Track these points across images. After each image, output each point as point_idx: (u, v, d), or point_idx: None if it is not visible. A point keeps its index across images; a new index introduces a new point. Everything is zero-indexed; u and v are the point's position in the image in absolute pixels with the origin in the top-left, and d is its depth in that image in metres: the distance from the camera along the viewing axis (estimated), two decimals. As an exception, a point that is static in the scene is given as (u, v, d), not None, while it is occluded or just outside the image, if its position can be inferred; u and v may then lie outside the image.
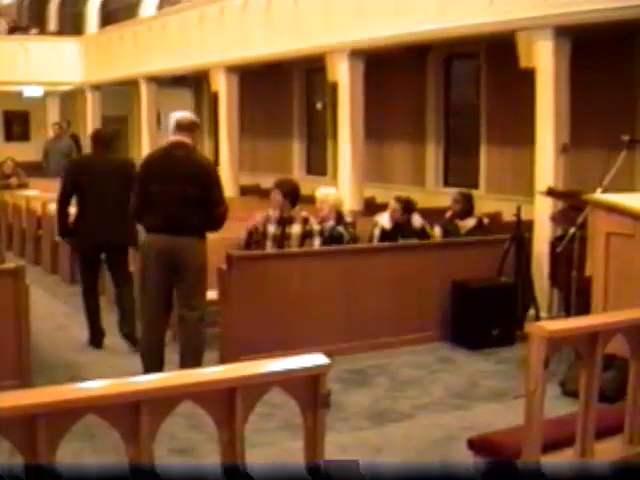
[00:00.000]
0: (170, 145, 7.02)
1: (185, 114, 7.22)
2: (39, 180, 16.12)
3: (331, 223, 8.90)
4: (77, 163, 9.41)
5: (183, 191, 6.78)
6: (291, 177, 11.72)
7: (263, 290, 7.69)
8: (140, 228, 7.57)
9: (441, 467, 5.43)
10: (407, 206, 9.16)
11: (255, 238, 8.43)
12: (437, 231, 9.23)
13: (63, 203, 8.43)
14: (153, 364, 6.93)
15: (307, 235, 8.43)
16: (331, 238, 8.76)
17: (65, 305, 10.26)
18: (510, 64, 9.99)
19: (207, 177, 6.95)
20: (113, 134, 9.14)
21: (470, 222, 9.52)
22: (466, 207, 9.56)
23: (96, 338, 8.42)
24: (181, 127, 7.01)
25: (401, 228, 9.08)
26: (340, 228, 8.86)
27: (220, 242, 8.53)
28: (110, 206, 8.07)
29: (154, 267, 6.95)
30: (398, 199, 9.26)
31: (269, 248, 8.35)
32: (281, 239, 8.41)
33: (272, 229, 8.41)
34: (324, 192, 9.30)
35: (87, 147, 20.78)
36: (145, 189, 6.92)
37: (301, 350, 5.29)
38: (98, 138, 8.61)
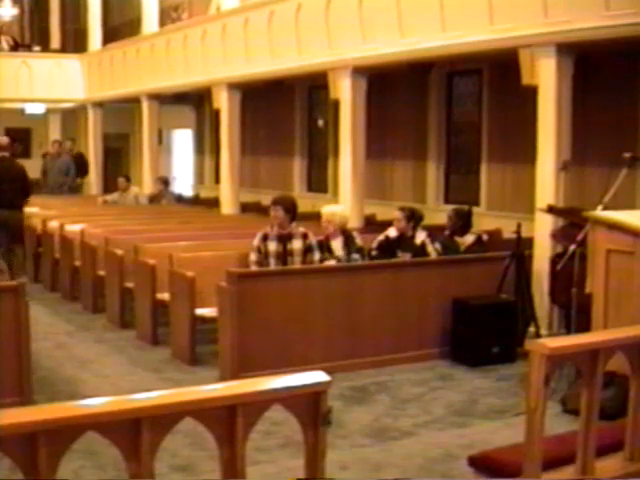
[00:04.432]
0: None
1: (3, 138, 11.96)
2: (39, 197, 16.11)
3: (340, 240, 8.97)
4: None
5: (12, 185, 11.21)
6: (289, 193, 11.75)
7: (263, 307, 7.69)
8: None
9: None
10: (411, 216, 9.14)
11: (259, 258, 8.49)
12: (438, 247, 9.20)
13: None
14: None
15: (308, 250, 8.51)
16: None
17: (66, 323, 10.26)
18: (512, 81, 10.02)
19: (23, 176, 11.44)
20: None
21: (469, 238, 9.51)
22: (459, 223, 9.54)
23: None
24: (2, 147, 11.49)
25: (403, 239, 9.08)
26: (356, 256, 8.89)
27: (218, 259, 8.60)
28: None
29: None
30: (402, 208, 9.27)
31: (272, 265, 8.40)
32: (284, 256, 8.47)
33: (273, 246, 8.47)
34: (330, 211, 9.29)
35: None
36: None
37: (301, 367, 5.29)
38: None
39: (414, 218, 9.16)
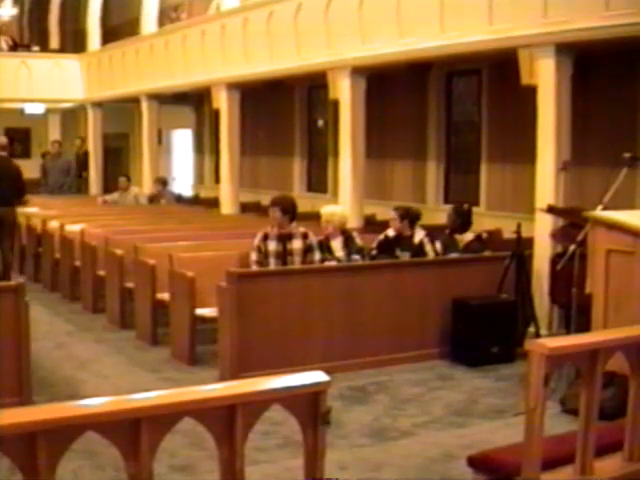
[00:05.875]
0: None
1: (2, 138, 12.21)
2: (38, 197, 16.12)
3: (340, 240, 9.00)
4: None
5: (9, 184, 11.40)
6: (288, 193, 11.76)
7: (263, 307, 7.68)
8: None
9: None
10: (405, 214, 9.15)
11: (259, 258, 8.49)
12: (438, 246, 9.21)
13: None
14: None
15: (308, 250, 8.52)
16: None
17: (65, 323, 10.26)
18: (511, 81, 10.02)
19: (18, 176, 11.64)
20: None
21: (468, 236, 9.50)
22: (457, 221, 9.52)
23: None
24: (1, 147, 11.77)
25: (402, 239, 9.10)
26: (357, 256, 8.90)
27: (218, 259, 8.60)
28: None
29: None
30: (396, 208, 9.30)
31: (272, 265, 8.41)
32: (283, 255, 8.47)
33: (273, 246, 8.47)
34: (330, 211, 9.31)
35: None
36: None
37: (301, 367, 5.29)
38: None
39: (409, 217, 9.17)
